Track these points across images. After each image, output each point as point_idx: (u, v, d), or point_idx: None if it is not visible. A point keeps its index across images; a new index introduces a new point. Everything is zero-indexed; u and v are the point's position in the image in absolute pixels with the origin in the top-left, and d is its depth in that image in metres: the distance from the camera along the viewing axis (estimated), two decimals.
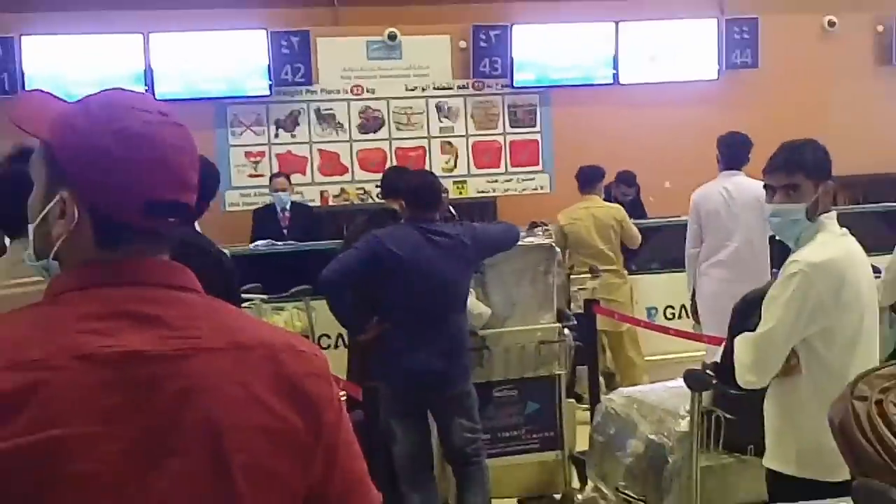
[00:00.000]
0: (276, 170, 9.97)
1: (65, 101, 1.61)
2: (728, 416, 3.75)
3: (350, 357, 5.87)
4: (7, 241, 4.25)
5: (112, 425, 1.39)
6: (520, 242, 5.78)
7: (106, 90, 1.57)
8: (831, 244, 3.51)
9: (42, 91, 1.67)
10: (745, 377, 3.56)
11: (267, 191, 9.45)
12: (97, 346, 1.40)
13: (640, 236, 7.87)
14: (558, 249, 6.68)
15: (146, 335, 1.43)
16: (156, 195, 1.48)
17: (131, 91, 1.60)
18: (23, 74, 9.28)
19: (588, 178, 7.95)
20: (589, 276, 7.60)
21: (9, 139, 3.06)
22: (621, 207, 7.98)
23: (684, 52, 10.49)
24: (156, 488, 1.39)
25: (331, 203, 10.08)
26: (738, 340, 3.65)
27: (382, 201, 6.16)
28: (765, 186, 3.70)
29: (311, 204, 9.90)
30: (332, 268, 5.14)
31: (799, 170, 3.56)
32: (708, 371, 3.74)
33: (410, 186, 5.42)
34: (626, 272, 7.87)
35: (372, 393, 4.82)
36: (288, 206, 9.06)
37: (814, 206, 3.53)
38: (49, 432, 1.35)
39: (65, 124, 1.51)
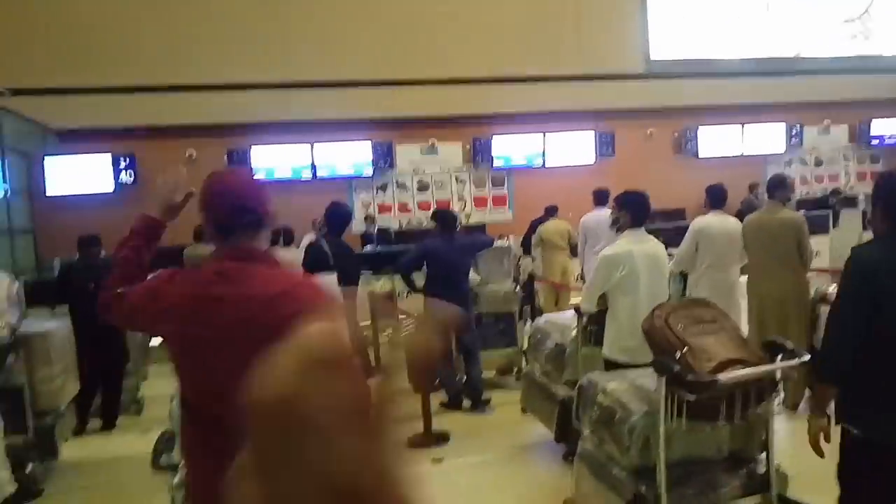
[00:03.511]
0: (378, 212, 10.01)
1: None
2: (594, 327, 3.73)
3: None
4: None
5: (200, 326, 1.46)
6: (494, 245, 5.85)
7: (228, 168, 1.62)
8: (621, 244, 3.44)
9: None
10: (582, 306, 3.64)
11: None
12: (201, 290, 1.49)
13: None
14: (514, 249, 6.67)
15: (224, 286, 1.47)
16: (238, 203, 1.53)
17: (235, 169, 1.60)
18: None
19: (551, 210, 7.72)
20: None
21: None
22: (568, 223, 7.48)
23: (578, 148, 10.35)
24: (219, 354, 1.43)
25: (403, 228, 10.02)
26: (583, 288, 3.72)
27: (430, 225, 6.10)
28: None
29: (393, 228, 9.87)
30: (403, 259, 5.20)
31: (616, 203, 3.59)
32: None
33: (440, 216, 5.42)
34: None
35: None
36: (375, 231, 9.38)
37: (615, 221, 3.52)
38: (169, 326, 1.50)
39: None
